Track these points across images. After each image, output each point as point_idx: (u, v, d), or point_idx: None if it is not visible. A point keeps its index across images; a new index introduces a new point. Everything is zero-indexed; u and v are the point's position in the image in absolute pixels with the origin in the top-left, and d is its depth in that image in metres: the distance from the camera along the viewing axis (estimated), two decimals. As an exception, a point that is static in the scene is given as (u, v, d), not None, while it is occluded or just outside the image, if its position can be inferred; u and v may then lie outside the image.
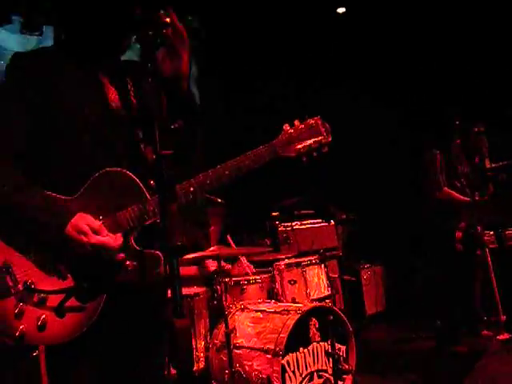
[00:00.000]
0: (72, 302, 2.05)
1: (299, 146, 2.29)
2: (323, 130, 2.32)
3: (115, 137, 2.19)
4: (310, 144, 2.29)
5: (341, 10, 8.27)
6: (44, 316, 2.02)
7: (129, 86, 2.25)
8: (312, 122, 2.33)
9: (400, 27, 7.57)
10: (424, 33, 7.44)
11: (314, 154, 2.31)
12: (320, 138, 2.31)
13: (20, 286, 1.99)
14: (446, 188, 5.80)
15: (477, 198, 5.70)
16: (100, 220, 2.09)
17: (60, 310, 2.03)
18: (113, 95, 2.24)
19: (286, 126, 2.32)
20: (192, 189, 2.16)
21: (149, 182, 2.15)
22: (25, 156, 2.10)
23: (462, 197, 5.78)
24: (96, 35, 2.18)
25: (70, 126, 2.12)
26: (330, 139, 2.32)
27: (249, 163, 2.24)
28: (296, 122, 2.33)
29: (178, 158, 1.88)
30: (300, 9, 7.45)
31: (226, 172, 2.21)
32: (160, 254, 2.10)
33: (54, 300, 2.04)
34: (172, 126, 1.94)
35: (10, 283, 1.99)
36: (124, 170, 2.14)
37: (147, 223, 2.11)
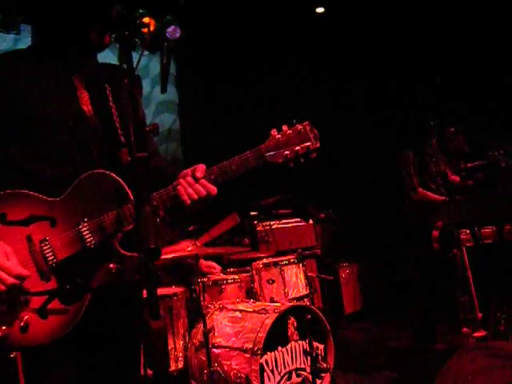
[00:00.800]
0: (55, 303, 2.04)
1: (287, 152, 2.24)
2: (312, 136, 2.28)
3: (89, 140, 2.19)
4: (298, 150, 2.25)
5: (319, 9, 8.29)
6: (27, 317, 2.00)
7: (107, 91, 2.25)
8: (300, 127, 2.28)
9: (379, 26, 7.62)
10: (401, 31, 7.50)
11: (302, 159, 2.28)
12: (308, 143, 2.27)
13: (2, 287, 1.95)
14: (420, 189, 5.87)
15: (454, 197, 5.75)
16: (85, 222, 2.09)
17: (43, 312, 2.01)
18: (85, 99, 2.23)
19: (274, 131, 2.27)
20: (173, 193, 2.17)
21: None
22: None
23: (437, 196, 5.84)
24: (68, 34, 2.18)
25: (43, 129, 2.11)
26: (318, 145, 2.28)
27: (235, 168, 2.21)
28: (284, 127, 2.28)
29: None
30: (281, 9, 7.46)
31: (212, 177, 2.20)
32: (138, 256, 2.10)
33: (37, 301, 2.02)
34: (147, 129, 1.94)
35: None
36: (109, 172, 2.13)
37: (128, 227, 2.10)
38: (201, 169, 2.19)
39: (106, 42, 2.20)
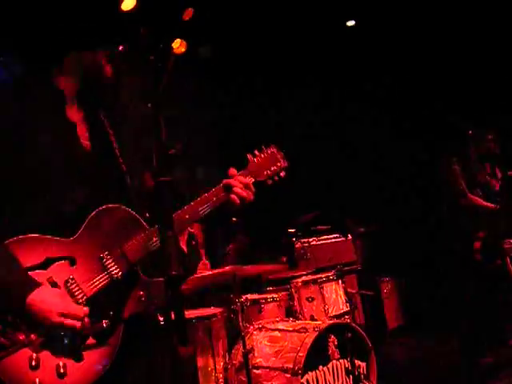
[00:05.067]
0: (90, 342, 2.03)
1: (265, 172, 2.50)
2: (280, 156, 2.56)
3: (92, 175, 2.21)
4: (275, 169, 2.52)
5: (350, 23, 8.25)
6: (62, 362, 1.98)
7: (103, 120, 2.28)
8: (270, 150, 2.56)
9: (407, 37, 7.55)
10: (432, 41, 7.43)
11: (276, 178, 2.52)
12: (279, 163, 2.54)
13: (33, 336, 1.94)
14: (470, 194, 5.67)
15: (497, 206, 5.60)
16: (107, 255, 2.11)
17: (78, 354, 2.00)
18: (83, 132, 2.27)
19: (250, 156, 2.51)
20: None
21: (144, 213, 2.19)
22: None
23: (486, 203, 5.66)
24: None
25: (43, 170, 2.12)
26: (286, 164, 2.56)
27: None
28: (256, 152, 2.53)
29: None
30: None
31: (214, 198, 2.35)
32: None
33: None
34: (170, 152, 1.94)
35: (21, 337, 1.94)
36: (120, 205, 2.17)
37: (151, 252, 2.13)
38: (233, 171, 2.41)
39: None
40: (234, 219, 5.24)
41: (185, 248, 5.24)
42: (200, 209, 2.30)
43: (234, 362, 4.23)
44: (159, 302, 2.12)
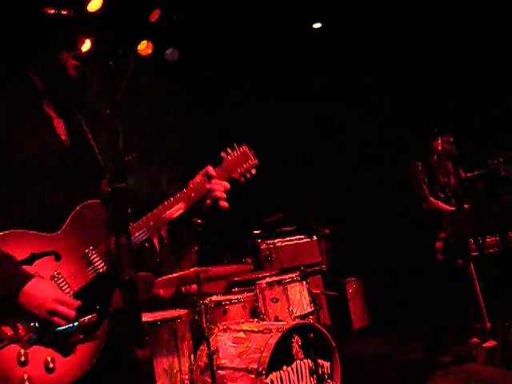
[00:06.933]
0: (77, 336, 2.03)
1: (239, 170, 2.57)
2: (251, 154, 2.63)
3: (73, 170, 2.22)
4: (247, 166, 2.58)
5: (317, 25, 8.28)
6: (50, 357, 1.98)
7: (79, 119, 2.29)
8: (242, 149, 2.62)
9: (383, 37, 7.63)
10: (403, 42, 7.51)
11: (248, 175, 2.58)
12: (251, 161, 2.61)
13: (21, 331, 1.94)
14: (431, 198, 5.82)
15: (460, 207, 5.71)
16: (92, 250, 2.12)
17: (65, 348, 2.00)
18: (61, 129, 2.28)
19: (224, 155, 2.57)
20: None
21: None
22: None
23: (447, 206, 5.79)
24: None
25: (25, 165, 2.12)
26: (257, 162, 2.63)
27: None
28: (229, 151, 2.59)
29: None
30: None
31: (193, 194, 2.38)
32: (151, 276, 2.22)
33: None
34: (126, 159, 1.96)
35: (9, 333, 1.93)
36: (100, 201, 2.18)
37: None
38: (211, 169, 2.46)
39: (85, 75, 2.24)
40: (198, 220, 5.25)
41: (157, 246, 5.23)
42: (193, 195, 2.38)
43: (199, 363, 4.25)
44: (142, 295, 2.14)
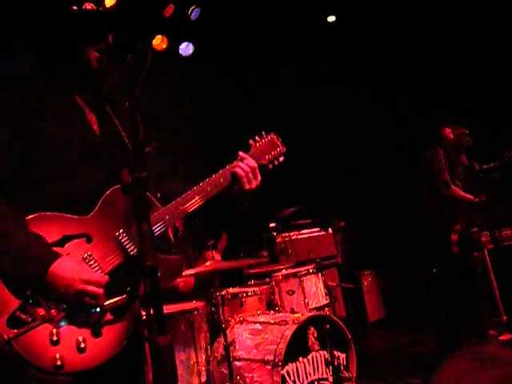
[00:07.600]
0: (107, 317, 2.07)
1: (267, 156, 2.63)
2: (279, 142, 2.69)
3: (106, 157, 2.27)
4: (275, 154, 2.65)
5: (331, 18, 8.26)
6: (82, 337, 2.01)
7: (109, 111, 2.33)
8: (271, 136, 2.68)
9: (396, 30, 7.61)
10: (416, 35, 7.48)
11: (276, 162, 2.64)
12: (279, 148, 2.67)
13: (53, 311, 1.97)
14: (453, 186, 5.74)
15: (475, 199, 5.67)
16: (122, 233, 2.17)
17: (97, 329, 2.03)
18: (92, 119, 2.32)
19: (252, 142, 2.62)
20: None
21: (155, 193, 2.31)
22: (11, 182, 2.13)
23: (468, 195, 5.73)
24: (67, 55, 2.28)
25: (57, 151, 2.17)
26: (285, 149, 2.69)
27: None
28: (257, 138, 2.64)
29: None
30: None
31: (208, 188, 2.43)
32: (181, 258, 2.26)
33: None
34: (146, 149, 1.99)
35: (41, 312, 1.96)
36: None
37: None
38: (242, 153, 2.52)
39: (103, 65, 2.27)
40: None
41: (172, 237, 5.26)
42: (208, 189, 2.41)
43: (216, 354, 4.29)
44: (168, 280, 2.22)
